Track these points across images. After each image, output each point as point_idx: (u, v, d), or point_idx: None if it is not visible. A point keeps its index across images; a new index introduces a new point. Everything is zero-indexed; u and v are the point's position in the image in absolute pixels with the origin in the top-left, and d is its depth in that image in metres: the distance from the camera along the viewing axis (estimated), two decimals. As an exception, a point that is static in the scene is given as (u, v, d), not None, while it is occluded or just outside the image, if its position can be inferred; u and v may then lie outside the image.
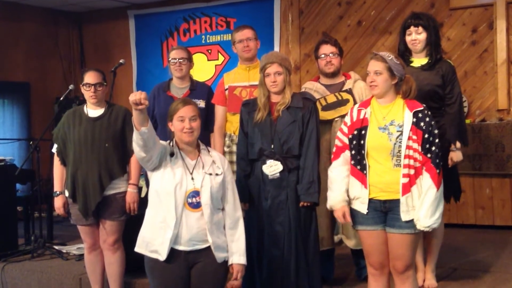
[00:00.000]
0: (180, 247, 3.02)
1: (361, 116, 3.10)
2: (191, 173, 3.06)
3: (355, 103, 3.76)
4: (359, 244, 3.76)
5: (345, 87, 3.91)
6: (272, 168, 3.52)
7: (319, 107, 3.81)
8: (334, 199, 3.13)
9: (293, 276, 3.50)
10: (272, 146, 3.51)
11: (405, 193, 2.97)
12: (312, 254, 3.56)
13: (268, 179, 3.52)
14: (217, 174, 3.11)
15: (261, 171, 3.54)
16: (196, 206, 3.03)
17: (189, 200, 3.02)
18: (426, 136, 2.99)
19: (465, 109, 5.69)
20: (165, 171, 3.06)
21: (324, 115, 3.81)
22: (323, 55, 3.94)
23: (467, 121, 5.39)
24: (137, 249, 3.13)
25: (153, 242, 3.05)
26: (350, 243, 3.90)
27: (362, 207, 3.06)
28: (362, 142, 3.05)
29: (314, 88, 3.96)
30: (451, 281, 3.97)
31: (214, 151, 3.31)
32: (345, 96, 3.87)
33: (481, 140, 5.57)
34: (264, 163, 3.53)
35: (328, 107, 3.85)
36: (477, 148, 5.55)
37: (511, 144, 5.46)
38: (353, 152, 3.09)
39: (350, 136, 3.11)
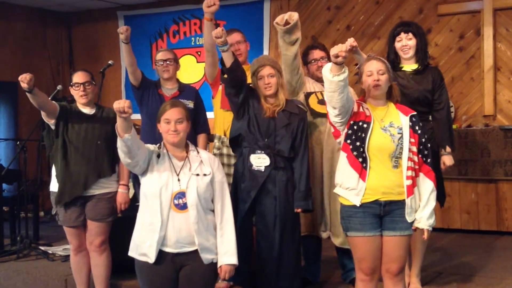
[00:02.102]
0: (167, 249, 3.02)
1: (361, 109, 3.05)
2: (178, 175, 3.06)
3: None
4: (345, 243, 3.76)
5: None
6: (260, 160, 3.55)
7: (315, 100, 3.89)
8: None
9: (275, 272, 3.55)
10: (266, 140, 3.55)
11: (410, 195, 2.98)
12: (294, 256, 3.61)
13: (251, 169, 3.55)
14: (204, 175, 3.10)
15: (248, 160, 3.57)
16: (183, 207, 3.02)
17: (176, 202, 3.02)
18: (423, 140, 3.05)
19: (452, 115, 5.74)
20: (152, 173, 3.07)
21: (319, 108, 3.86)
22: (313, 61, 3.99)
23: (454, 126, 5.44)
24: (130, 253, 3.14)
25: (142, 245, 3.05)
26: (337, 240, 3.90)
27: (355, 199, 2.99)
28: (363, 135, 2.99)
29: (312, 81, 3.99)
30: (436, 285, 3.99)
31: (204, 151, 3.31)
32: None
33: (467, 146, 5.62)
34: (253, 152, 3.56)
35: (323, 101, 3.88)
36: (463, 153, 5.59)
37: (496, 150, 5.52)
38: (357, 143, 2.99)
39: (352, 122, 3.03)
